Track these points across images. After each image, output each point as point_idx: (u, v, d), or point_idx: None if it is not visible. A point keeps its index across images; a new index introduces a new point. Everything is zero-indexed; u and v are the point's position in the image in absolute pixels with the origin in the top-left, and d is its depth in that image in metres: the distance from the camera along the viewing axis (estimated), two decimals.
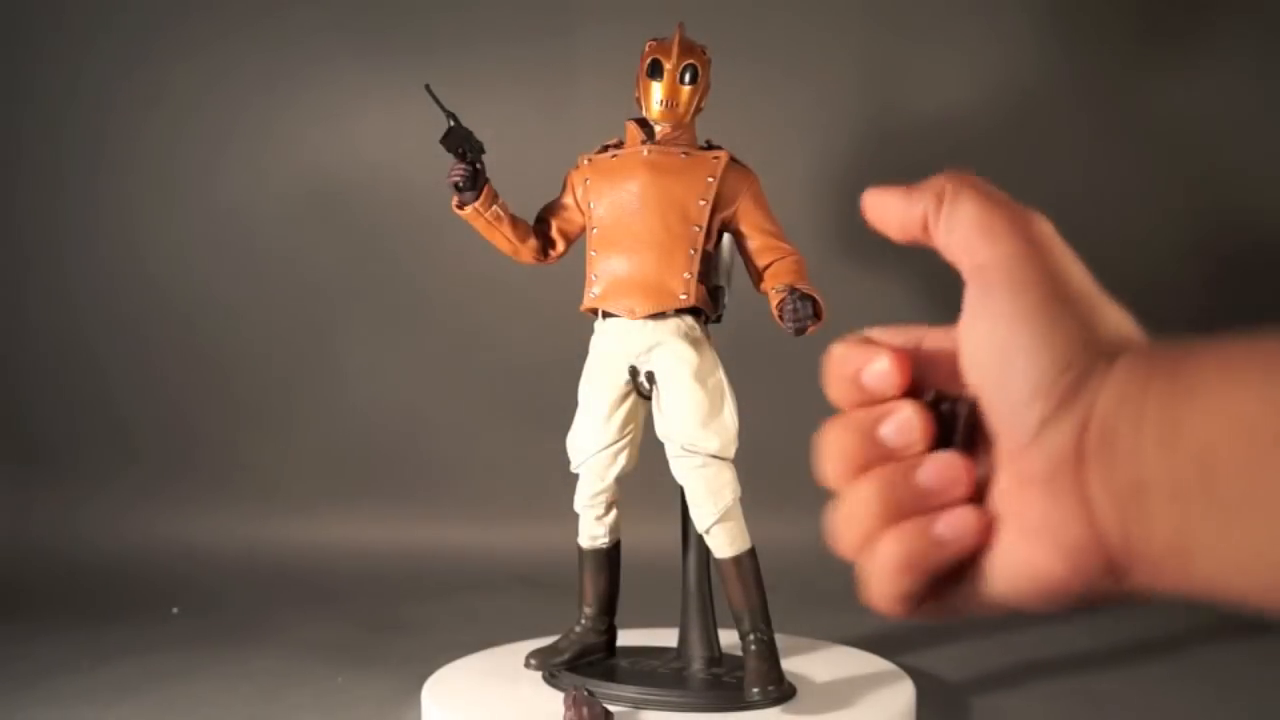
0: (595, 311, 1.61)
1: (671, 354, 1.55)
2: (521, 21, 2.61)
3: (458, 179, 1.59)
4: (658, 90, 1.60)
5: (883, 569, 0.35)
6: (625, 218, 1.58)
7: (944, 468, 0.35)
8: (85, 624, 2.07)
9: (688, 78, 1.60)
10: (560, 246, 1.68)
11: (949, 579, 0.35)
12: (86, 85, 2.69)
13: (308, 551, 2.50)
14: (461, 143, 1.58)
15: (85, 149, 2.70)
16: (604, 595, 1.68)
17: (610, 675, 1.60)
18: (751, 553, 1.57)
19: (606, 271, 1.58)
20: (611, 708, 1.48)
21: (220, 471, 2.67)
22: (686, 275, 1.56)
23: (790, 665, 1.63)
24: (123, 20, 2.67)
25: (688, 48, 1.62)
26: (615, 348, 1.59)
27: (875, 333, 0.39)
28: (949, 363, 0.37)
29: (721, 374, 1.57)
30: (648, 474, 1.63)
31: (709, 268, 1.60)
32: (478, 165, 1.60)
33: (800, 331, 1.50)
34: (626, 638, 1.73)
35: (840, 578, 0.70)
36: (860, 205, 0.40)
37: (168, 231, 2.71)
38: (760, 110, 2.52)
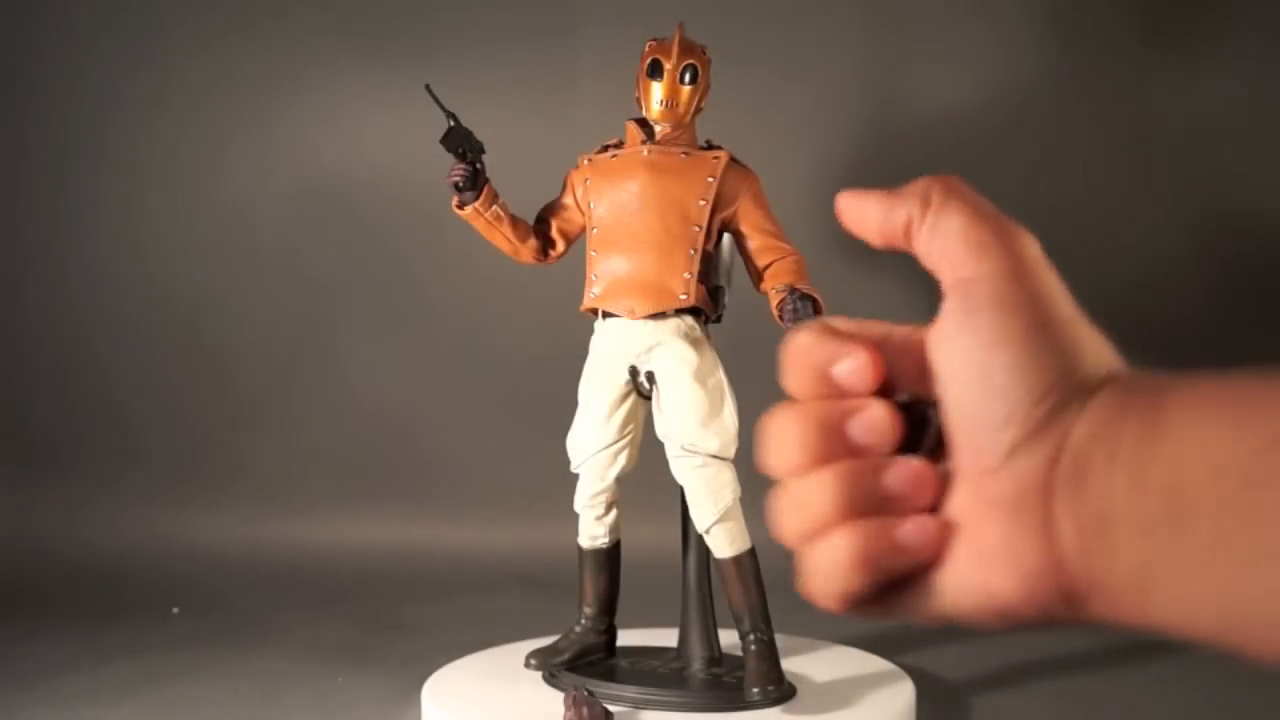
0: (595, 311, 1.61)
1: (671, 354, 1.55)
2: (522, 22, 2.62)
3: (458, 179, 1.59)
4: (658, 90, 1.60)
5: (834, 564, 0.35)
6: (625, 218, 1.58)
7: (913, 475, 0.35)
8: (86, 624, 2.07)
9: (688, 78, 1.60)
10: (560, 246, 1.68)
11: (893, 584, 0.35)
12: (88, 85, 2.69)
13: (308, 552, 2.51)
14: (461, 143, 1.58)
15: (87, 149, 2.70)
16: (604, 595, 1.68)
17: (610, 675, 1.61)
18: (751, 553, 1.57)
19: (606, 271, 1.58)
20: (611, 708, 1.48)
21: (221, 472, 2.67)
22: (686, 275, 1.55)
23: (790, 665, 1.63)
24: (124, 21, 2.67)
25: (688, 48, 1.61)
26: (615, 348, 1.59)
27: (839, 322, 0.37)
28: (915, 363, 0.36)
29: (721, 374, 1.56)
30: (648, 474, 1.63)
31: (709, 268, 1.60)
32: (478, 165, 1.60)
33: None
34: (626, 638, 1.73)
35: None
36: (835, 209, 0.38)
37: (169, 231, 2.71)
38: (760, 110, 2.52)
